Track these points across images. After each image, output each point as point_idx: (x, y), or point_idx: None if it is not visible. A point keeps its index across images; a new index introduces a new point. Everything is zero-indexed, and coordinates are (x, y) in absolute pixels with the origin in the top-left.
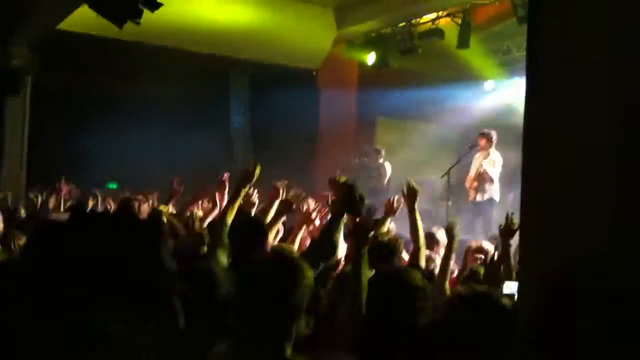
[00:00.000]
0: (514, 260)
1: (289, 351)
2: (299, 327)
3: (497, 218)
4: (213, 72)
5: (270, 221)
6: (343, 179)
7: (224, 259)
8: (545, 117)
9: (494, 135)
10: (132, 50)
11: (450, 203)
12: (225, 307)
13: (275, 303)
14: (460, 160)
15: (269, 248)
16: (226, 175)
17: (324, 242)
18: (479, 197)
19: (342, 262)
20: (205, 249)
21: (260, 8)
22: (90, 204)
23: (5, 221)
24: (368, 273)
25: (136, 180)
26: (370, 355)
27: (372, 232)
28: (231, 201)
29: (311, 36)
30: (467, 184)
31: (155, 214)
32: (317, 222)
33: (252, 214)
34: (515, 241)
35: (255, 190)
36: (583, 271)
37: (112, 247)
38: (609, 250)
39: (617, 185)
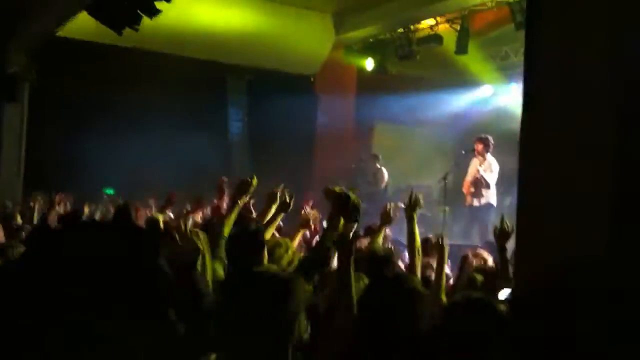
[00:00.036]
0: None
1: None
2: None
3: (494, 223)
4: (211, 77)
5: (269, 219)
6: (338, 188)
7: (220, 270)
8: (541, 121)
9: (491, 140)
10: (130, 56)
11: (447, 208)
12: (208, 319)
13: (266, 320)
14: (457, 165)
15: (266, 260)
16: (223, 180)
17: (318, 254)
18: (475, 202)
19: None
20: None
21: (258, 14)
22: (87, 210)
23: (5, 232)
24: (361, 282)
25: (134, 185)
26: None
27: (367, 243)
28: (228, 212)
29: (309, 42)
30: (464, 189)
31: (152, 220)
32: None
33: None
34: (510, 245)
35: (252, 201)
36: (581, 272)
37: (110, 251)
38: (607, 251)
39: (614, 188)
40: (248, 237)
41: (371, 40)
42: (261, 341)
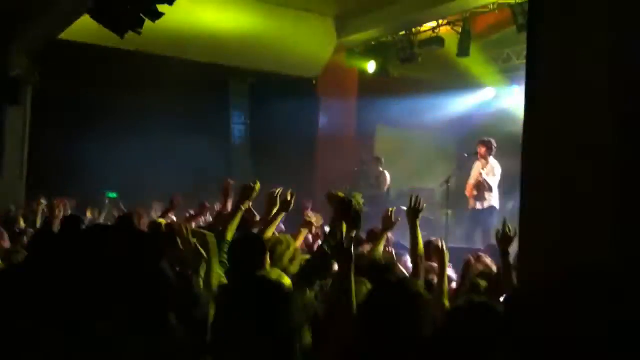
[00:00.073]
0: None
1: None
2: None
3: (497, 226)
4: (213, 81)
5: (270, 219)
6: (341, 194)
7: (222, 275)
8: (543, 123)
9: (493, 143)
10: (133, 59)
11: (450, 211)
12: (203, 324)
13: (265, 326)
14: (460, 168)
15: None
16: (229, 183)
17: (319, 259)
18: (478, 205)
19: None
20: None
21: (260, 17)
22: (89, 215)
23: (10, 238)
24: (363, 287)
25: (136, 188)
26: None
27: (369, 248)
28: (231, 217)
29: (311, 45)
30: (467, 192)
31: (155, 224)
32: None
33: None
34: (513, 250)
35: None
36: (584, 273)
37: (112, 254)
38: (609, 252)
39: (616, 190)
40: (249, 242)
41: (373, 43)
42: (260, 347)
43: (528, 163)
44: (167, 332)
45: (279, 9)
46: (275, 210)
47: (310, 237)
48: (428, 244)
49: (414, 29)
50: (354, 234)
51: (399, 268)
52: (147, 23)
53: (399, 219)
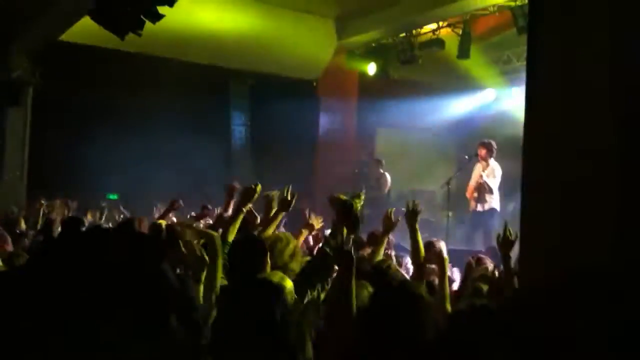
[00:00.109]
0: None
1: None
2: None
3: (498, 228)
4: (213, 82)
5: (270, 218)
6: (343, 197)
7: (221, 278)
8: (544, 124)
9: (494, 145)
10: (133, 61)
11: (450, 213)
12: (202, 326)
13: (263, 331)
14: (461, 170)
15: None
16: (234, 187)
17: (320, 263)
18: (479, 207)
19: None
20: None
21: (260, 18)
22: (90, 217)
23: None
24: (365, 290)
25: (137, 190)
26: None
27: (370, 251)
28: (232, 220)
29: (312, 46)
30: (468, 194)
31: (155, 226)
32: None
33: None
34: (513, 253)
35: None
36: (585, 274)
37: (114, 256)
38: (609, 254)
39: (617, 191)
40: (249, 244)
41: (373, 44)
42: (260, 347)
43: (528, 165)
44: (169, 335)
45: (279, 11)
46: (274, 211)
47: (310, 239)
48: (428, 245)
49: (414, 31)
50: (353, 237)
51: (400, 270)
52: (148, 24)
53: (399, 219)
